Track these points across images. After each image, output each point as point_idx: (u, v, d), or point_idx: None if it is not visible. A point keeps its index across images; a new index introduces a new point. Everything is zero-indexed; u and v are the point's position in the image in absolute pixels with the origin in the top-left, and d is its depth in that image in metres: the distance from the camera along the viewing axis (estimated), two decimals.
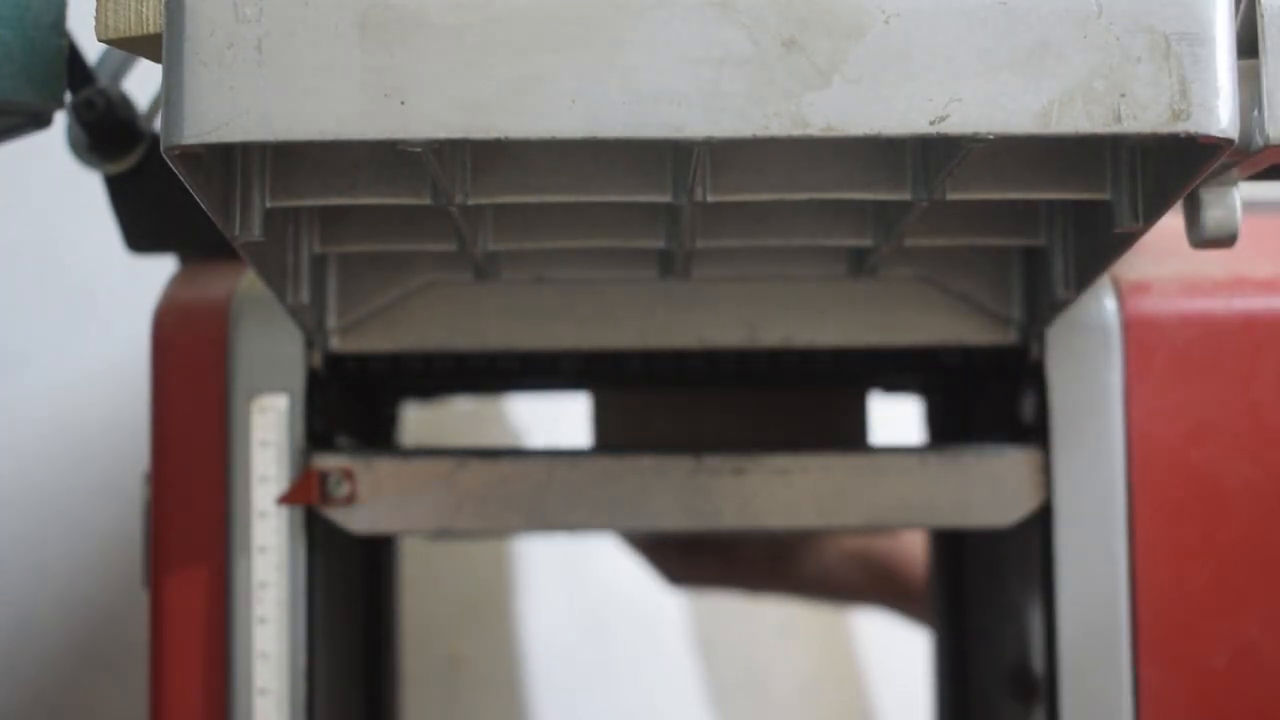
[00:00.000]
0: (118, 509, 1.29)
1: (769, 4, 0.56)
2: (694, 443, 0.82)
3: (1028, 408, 0.83)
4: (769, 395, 0.90)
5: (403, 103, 0.56)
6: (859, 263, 0.79)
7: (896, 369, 0.87)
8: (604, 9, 0.56)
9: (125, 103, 0.83)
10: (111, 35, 0.58)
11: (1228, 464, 0.79)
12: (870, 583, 1.24)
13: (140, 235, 0.87)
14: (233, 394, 0.79)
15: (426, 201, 0.66)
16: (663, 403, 0.90)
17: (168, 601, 0.80)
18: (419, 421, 1.24)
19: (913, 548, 1.21)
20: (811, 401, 0.90)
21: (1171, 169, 0.62)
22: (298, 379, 0.80)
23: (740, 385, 0.90)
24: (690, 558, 1.22)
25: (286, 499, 0.79)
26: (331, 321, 0.81)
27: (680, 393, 0.90)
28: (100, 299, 1.32)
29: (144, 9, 0.57)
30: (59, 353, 1.32)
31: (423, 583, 1.41)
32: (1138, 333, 0.80)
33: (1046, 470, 0.79)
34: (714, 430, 0.90)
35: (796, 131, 0.56)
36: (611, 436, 0.91)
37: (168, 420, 0.80)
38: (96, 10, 0.58)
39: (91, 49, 0.81)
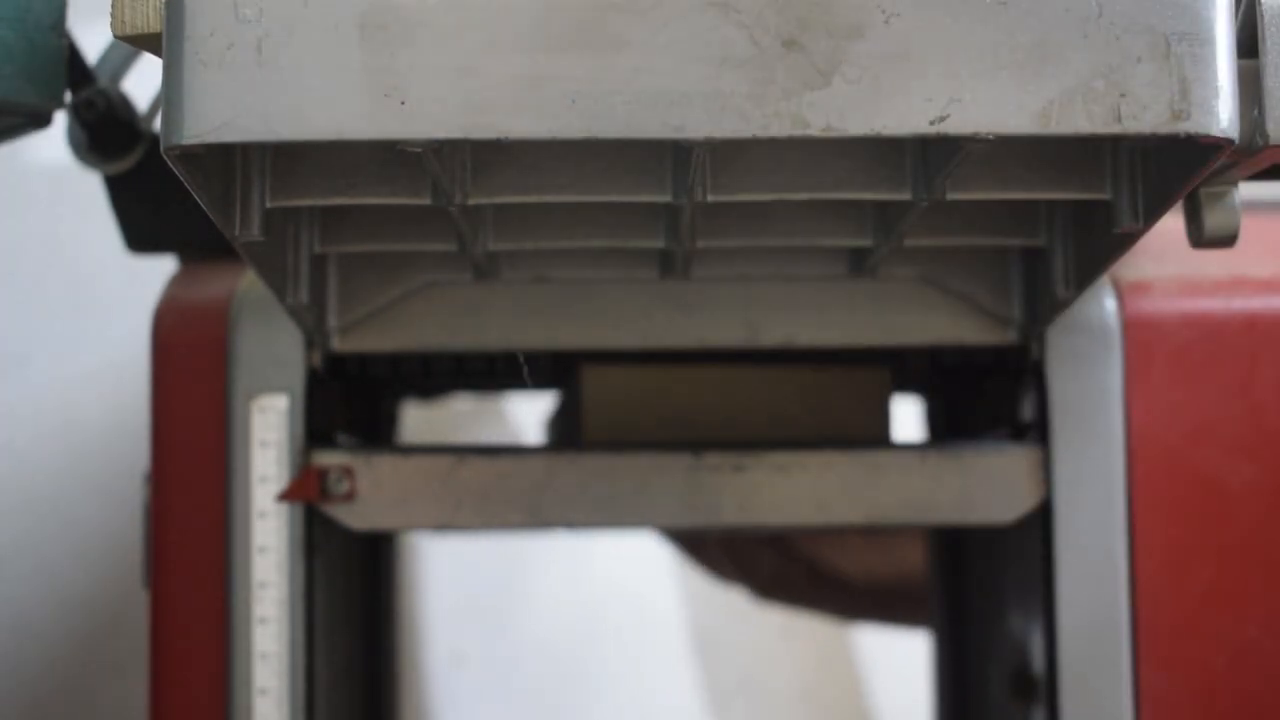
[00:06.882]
0: (118, 509, 1.29)
1: (769, 4, 0.56)
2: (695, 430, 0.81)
3: (1028, 407, 0.83)
4: (777, 381, 0.88)
5: (403, 103, 0.56)
6: (859, 263, 0.79)
7: (897, 369, 0.87)
8: (604, 9, 0.56)
9: (125, 103, 0.82)
10: (128, 32, 0.58)
11: (1228, 464, 0.79)
12: None
13: (140, 235, 0.87)
14: (233, 394, 0.79)
15: (426, 201, 0.66)
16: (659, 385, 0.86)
17: (168, 601, 0.80)
18: (419, 421, 1.24)
19: None
20: (827, 388, 0.88)
21: (1171, 169, 0.62)
22: (298, 379, 0.80)
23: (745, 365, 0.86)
24: (781, 576, 1.20)
25: (286, 495, 0.79)
26: (331, 321, 0.81)
27: (680, 374, 0.86)
28: (100, 299, 1.32)
29: (160, 5, 0.57)
30: (59, 353, 1.32)
31: (423, 582, 1.41)
32: (1138, 333, 0.80)
33: (1046, 468, 0.79)
34: (717, 422, 0.87)
35: (796, 131, 0.56)
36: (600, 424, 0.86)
37: (168, 420, 0.80)
38: (112, 7, 0.58)
39: (91, 49, 0.81)
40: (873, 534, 1.18)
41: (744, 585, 1.23)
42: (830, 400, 0.87)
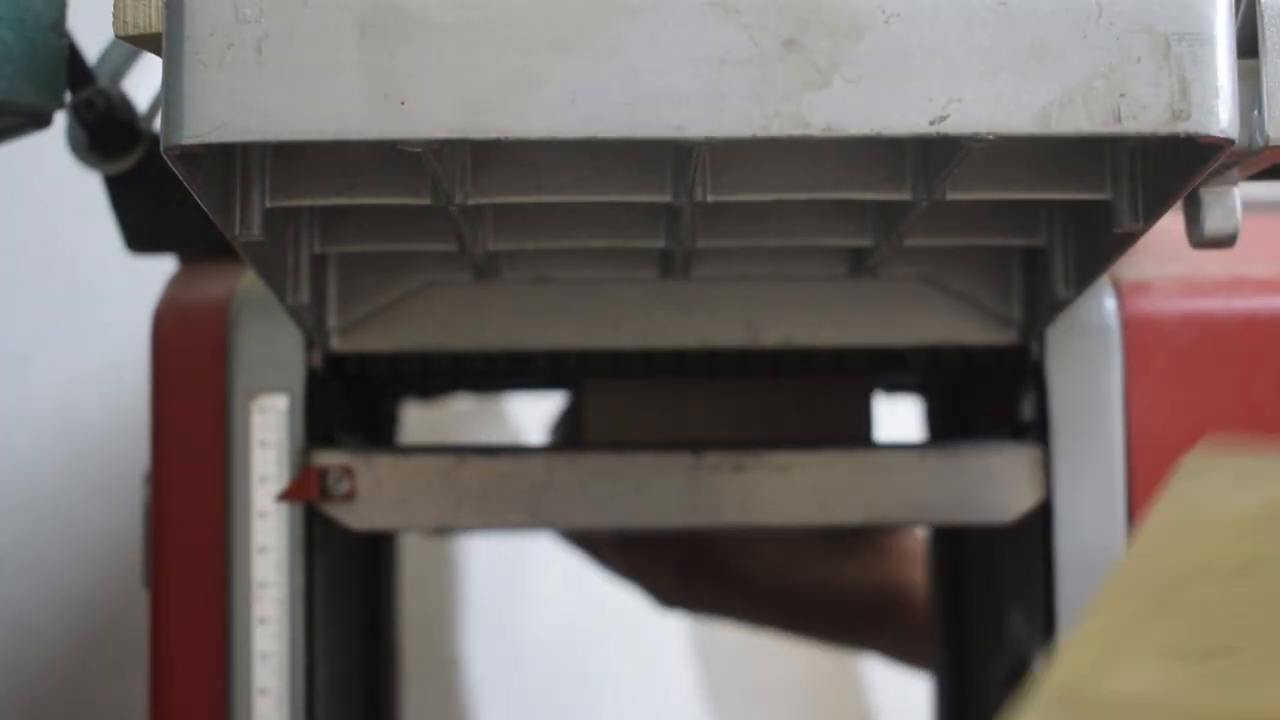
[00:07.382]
0: (118, 509, 1.29)
1: (769, 4, 0.56)
2: (692, 437, 0.82)
3: (1028, 407, 0.83)
4: (769, 389, 0.89)
5: (403, 103, 0.56)
6: (859, 263, 0.79)
7: (897, 369, 0.87)
8: (604, 9, 0.56)
9: (125, 103, 0.83)
10: (131, 31, 0.58)
11: None
12: (885, 617, 1.19)
13: (140, 235, 0.87)
14: (233, 394, 0.79)
15: (426, 201, 0.66)
16: (657, 397, 0.89)
17: (168, 601, 0.80)
18: (419, 421, 1.24)
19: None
20: (813, 394, 0.90)
21: (1171, 169, 0.63)
22: (298, 379, 0.80)
23: (740, 378, 0.88)
24: (687, 582, 1.19)
25: (286, 495, 0.79)
26: (331, 321, 0.81)
27: (677, 386, 0.89)
28: (100, 299, 1.32)
29: (161, 5, 0.57)
30: (59, 353, 1.32)
31: (423, 583, 1.41)
32: (1138, 333, 0.80)
33: (1046, 467, 0.79)
34: (712, 426, 0.89)
35: (796, 131, 0.56)
36: (601, 432, 0.89)
37: (168, 420, 0.80)
38: (115, 6, 0.58)
39: (91, 49, 0.81)
40: (789, 540, 1.16)
41: (647, 594, 1.20)
42: (815, 408, 0.88)
